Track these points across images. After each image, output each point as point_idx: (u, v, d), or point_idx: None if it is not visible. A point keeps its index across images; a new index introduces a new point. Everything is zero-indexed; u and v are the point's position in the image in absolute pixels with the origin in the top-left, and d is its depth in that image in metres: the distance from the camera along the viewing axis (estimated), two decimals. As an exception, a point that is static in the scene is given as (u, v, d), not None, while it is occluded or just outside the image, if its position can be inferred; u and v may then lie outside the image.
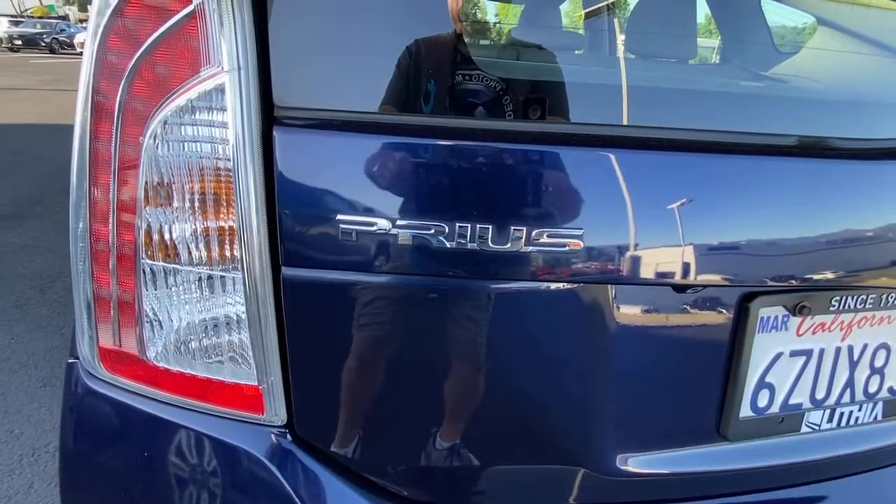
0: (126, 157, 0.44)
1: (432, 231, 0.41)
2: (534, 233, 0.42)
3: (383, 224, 0.41)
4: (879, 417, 0.65)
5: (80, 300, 0.49)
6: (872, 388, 0.63)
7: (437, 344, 0.48)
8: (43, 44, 18.98)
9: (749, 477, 0.61)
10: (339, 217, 0.41)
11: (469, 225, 0.42)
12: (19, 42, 18.70)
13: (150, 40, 0.42)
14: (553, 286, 0.46)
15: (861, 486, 0.68)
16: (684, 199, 0.48)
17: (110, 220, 0.46)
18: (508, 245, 0.42)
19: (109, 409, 0.52)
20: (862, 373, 0.62)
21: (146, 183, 0.44)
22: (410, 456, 0.54)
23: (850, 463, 0.66)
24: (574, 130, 0.45)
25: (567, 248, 0.43)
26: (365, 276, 0.44)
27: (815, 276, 0.53)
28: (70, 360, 0.54)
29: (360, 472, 0.52)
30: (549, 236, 0.43)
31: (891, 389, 0.65)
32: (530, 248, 0.43)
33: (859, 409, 0.63)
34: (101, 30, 0.43)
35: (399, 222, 0.41)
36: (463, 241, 0.42)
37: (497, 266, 0.44)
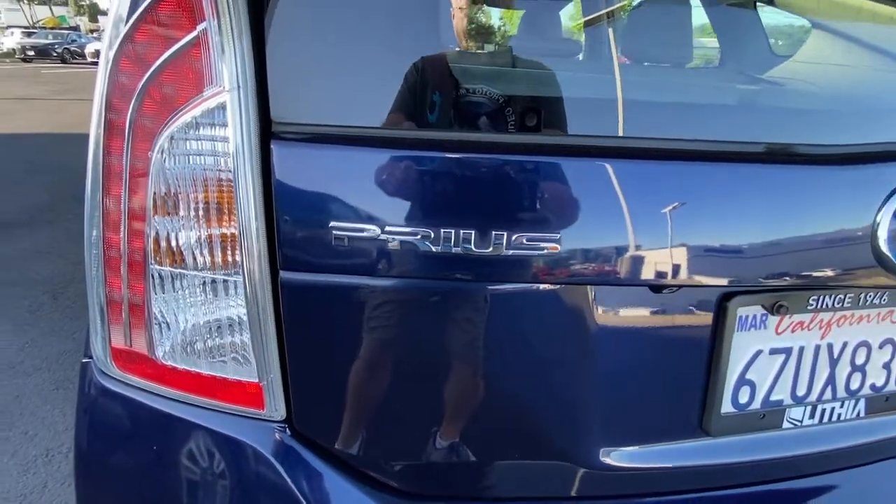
0: (136, 170, 0.48)
1: (419, 236, 0.44)
2: (514, 237, 0.45)
3: (373, 230, 0.44)
4: (862, 414, 0.67)
5: (94, 303, 0.52)
6: (854, 385, 0.65)
7: (426, 343, 0.51)
8: (55, 54, 19.37)
9: (732, 471, 0.63)
10: (333, 223, 0.44)
11: (453, 230, 0.45)
12: (32, 52, 19.11)
13: (157, 63, 0.45)
14: (535, 287, 0.49)
15: (846, 481, 0.69)
16: (661, 205, 0.50)
17: (122, 229, 0.49)
18: (490, 249, 0.45)
19: (121, 406, 0.55)
20: (843, 370, 0.64)
21: (154, 194, 0.47)
22: (402, 450, 0.56)
23: (834, 459, 0.67)
24: (551, 141, 0.48)
25: (546, 251, 0.46)
26: (358, 278, 0.47)
27: (791, 277, 0.55)
28: (84, 360, 0.58)
29: (354, 465, 0.55)
30: (528, 240, 0.45)
31: (873, 386, 0.66)
32: (511, 252, 0.46)
33: (841, 406, 0.65)
34: (113, 53, 0.47)
35: (388, 228, 0.44)
36: (448, 246, 0.45)
37: (481, 269, 0.46)
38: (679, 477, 0.62)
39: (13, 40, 19.82)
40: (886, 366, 0.66)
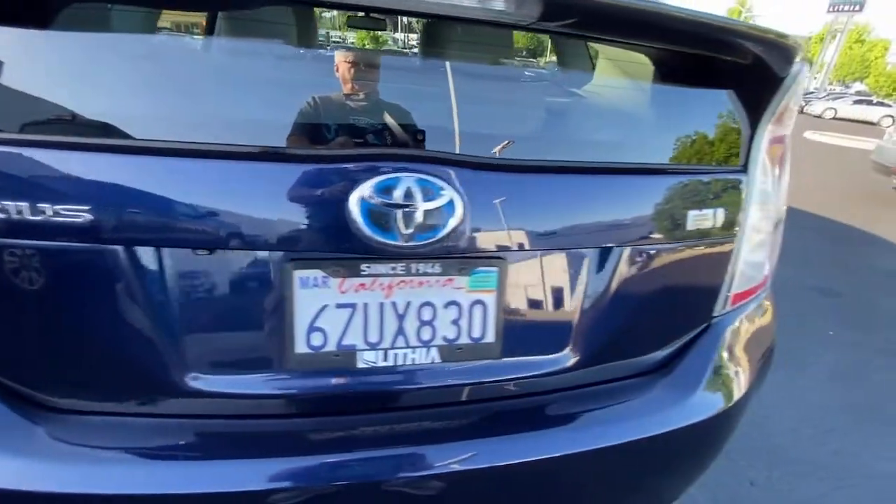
0: None
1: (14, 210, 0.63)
2: (60, 208, 0.64)
3: None
4: (437, 360, 0.85)
5: None
6: (426, 337, 0.84)
7: (46, 291, 0.69)
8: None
9: (313, 401, 0.81)
10: None
11: (27, 204, 0.63)
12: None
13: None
14: (102, 247, 0.67)
15: (427, 416, 0.88)
16: (198, 194, 0.69)
17: None
18: (41, 217, 0.64)
19: None
20: (412, 324, 0.83)
21: None
22: (41, 375, 0.75)
23: (411, 396, 0.86)
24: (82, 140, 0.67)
25: (78, 219, 0.64)
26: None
27: (326, 250, 0.74)
28: None
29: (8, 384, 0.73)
30: (66, 211, 0.64)
31: (445, 338, 0.85)
32: (59, 220, 0.64)
33: (414, 353, 0.84)
34: None
35: None
36: (20, 215, 0.63)
37: (54, 233, 0.65)
38: (268, 403, 0.81)
39: None
40: (455, 322, 0.85)
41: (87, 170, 0.65)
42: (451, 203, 0.73)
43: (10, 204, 0.63)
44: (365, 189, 0.70)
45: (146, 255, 0.70)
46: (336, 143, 0.77)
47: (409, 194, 0.71)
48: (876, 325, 3.22)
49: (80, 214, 0.64)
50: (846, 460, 2.00)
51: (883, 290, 3.81)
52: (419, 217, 0.72)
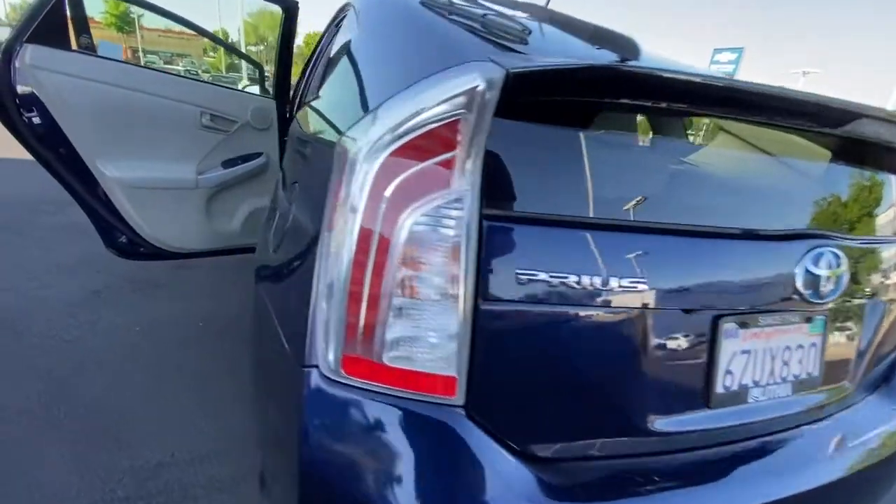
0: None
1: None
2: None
3: None
4: (790, 393, 1.06)
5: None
6: (785, 374, 1.04)
7: (558, 355, 0.83)
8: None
9: (722, 433, 0.99)
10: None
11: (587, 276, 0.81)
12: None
13: None
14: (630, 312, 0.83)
15: (779, 441, 1.07)
16: (675, 266, 0.88)
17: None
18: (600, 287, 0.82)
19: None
20: (777, 364, 1.03)
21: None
22: (542, 430, 0.87)
23: (777, 423, 1.06)
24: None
25: (631, 289, 0.82)
26: (535, 307, 0.79)
27: (749, 305, 0.95)
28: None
29: (505, 437, 0.82)
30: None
31: (794, 375, 1.06)
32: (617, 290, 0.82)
33: (778, 388, 1.04)
34: None
35: None
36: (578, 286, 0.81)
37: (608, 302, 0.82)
38: (691, 437, 0.96)
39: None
40: (800, 361, 1.06)
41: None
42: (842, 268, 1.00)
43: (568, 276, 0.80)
44: (807, 260, 0.95)
45: (644, 317, 0.85)
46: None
47: (828, 264, 0.97)
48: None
49: (635, 286, 0.83)
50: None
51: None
52: (831, 280, 0.97)
